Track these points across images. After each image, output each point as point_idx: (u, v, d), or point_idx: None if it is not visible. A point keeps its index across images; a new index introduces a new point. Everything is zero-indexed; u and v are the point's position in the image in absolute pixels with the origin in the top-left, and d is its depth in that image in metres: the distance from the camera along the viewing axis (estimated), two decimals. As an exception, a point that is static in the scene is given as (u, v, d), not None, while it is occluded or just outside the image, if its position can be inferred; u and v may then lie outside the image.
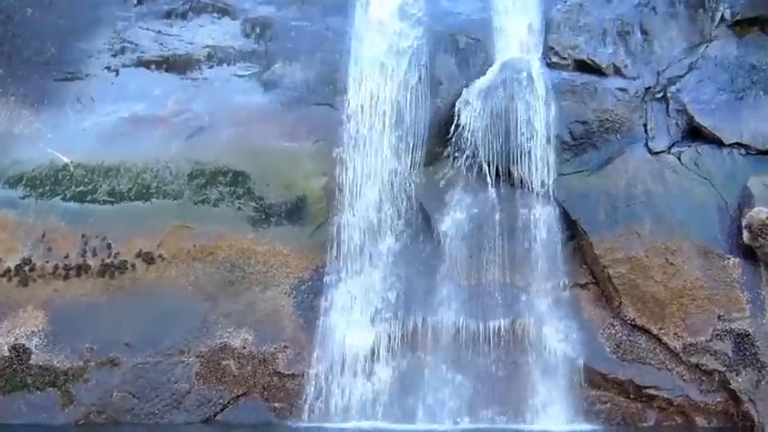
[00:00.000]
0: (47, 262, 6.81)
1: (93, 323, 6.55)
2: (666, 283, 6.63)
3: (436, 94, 7.64)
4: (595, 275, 6.90)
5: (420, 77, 7.67)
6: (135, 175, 7.27)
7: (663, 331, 6.54)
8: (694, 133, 7.45)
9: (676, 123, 7.47)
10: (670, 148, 7.36)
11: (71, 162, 7.30)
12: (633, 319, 6.63)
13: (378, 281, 6.98)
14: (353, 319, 6.80)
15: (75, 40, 8.08)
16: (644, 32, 7.96)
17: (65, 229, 6.97)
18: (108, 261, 6.83)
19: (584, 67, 7.76)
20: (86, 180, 7.24)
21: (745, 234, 6.62)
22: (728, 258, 6.70)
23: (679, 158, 7.27)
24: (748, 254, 6.66)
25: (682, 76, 7.71)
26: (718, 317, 6.50)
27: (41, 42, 8.01)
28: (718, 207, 6.94)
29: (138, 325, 6.56)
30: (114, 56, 8.02)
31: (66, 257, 6.83)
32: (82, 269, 6.79)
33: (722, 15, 7.89)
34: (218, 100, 7.71)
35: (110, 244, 6.89)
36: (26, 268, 6.78)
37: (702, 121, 7.41)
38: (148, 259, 6.87)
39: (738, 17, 7.89)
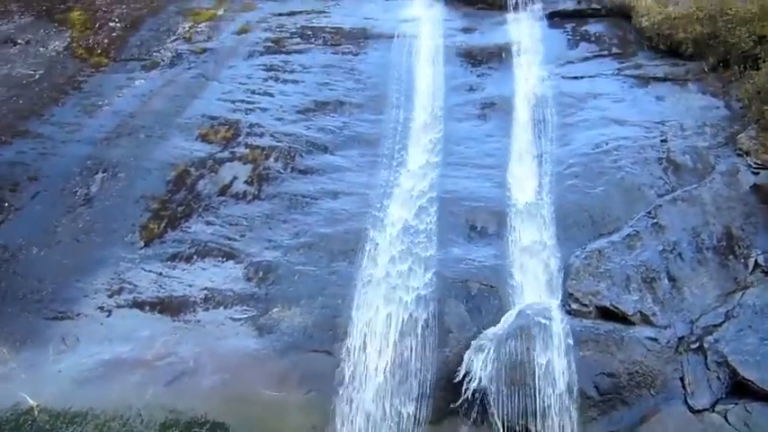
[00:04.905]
0: None
1: None
2: None
3: (445, 343, 7.05)
4: None
5: (427, 325, 7.11)
6: (101, 423, 6.54)
7: None
8: (740, 388, 6.57)
9: (718, 377, 6.64)
10: (714, 405, 6.46)
11: (37, 405, 6.67)
12: None
13: None
14: None
15: (74, 279, 7.90)
16: (671, 279, 7.43)
17: (4, 488, 6.16)
18: None
19: (607, 314, 7.17)
20: (48, 427, 6.52)
21: None
22: None
23: (725, 418, 6.33)
24: None
25: (718, 326, 7.00)
26: None
27: (40, 281, 7.85)
28: (780, 478, 5.88)
29: None
30: (110, 296, 7.73)
31: None
32: None
33: (756, 261, 7.42)
34: (208, 344, 7.20)
35: (51, 508, 5.98)
36: None
37: (748, 374, 6.57)
38: None
39: (775, 264, 7.47)
